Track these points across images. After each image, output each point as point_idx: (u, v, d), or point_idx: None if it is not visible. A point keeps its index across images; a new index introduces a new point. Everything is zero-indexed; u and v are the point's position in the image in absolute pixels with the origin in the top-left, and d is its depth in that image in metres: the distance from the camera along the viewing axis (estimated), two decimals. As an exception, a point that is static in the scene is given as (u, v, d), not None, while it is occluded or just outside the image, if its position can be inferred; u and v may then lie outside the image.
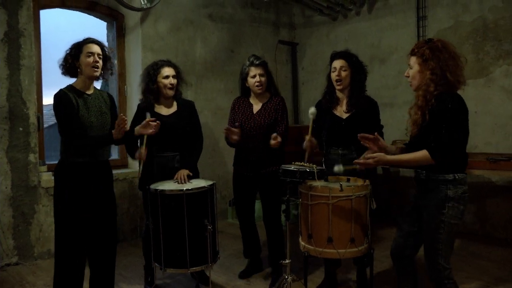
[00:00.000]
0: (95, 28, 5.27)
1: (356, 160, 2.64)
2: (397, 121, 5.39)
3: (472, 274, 3.79)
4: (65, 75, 3.05)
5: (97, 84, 3.26)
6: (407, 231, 2.72)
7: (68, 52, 3.00)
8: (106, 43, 5.16)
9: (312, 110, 3.14)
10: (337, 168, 2.81)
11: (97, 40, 3.06)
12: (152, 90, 3.49)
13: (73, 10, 4.93)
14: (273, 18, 6.56)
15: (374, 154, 2.57)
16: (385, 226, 5.07)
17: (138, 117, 3.50)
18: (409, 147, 2.66)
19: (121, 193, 4.83)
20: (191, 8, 5.52)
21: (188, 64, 5.40)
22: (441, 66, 2.44)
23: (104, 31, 5.28)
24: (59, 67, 3.03)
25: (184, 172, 3.36)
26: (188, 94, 5.00)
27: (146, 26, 5.12)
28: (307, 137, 3.19)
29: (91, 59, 2.95)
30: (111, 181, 3.19)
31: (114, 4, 4.95)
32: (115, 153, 5.11)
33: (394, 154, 2.70)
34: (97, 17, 5.16)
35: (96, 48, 3.00)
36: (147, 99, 3.50)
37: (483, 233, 4.94)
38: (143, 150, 3.27)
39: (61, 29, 5.26)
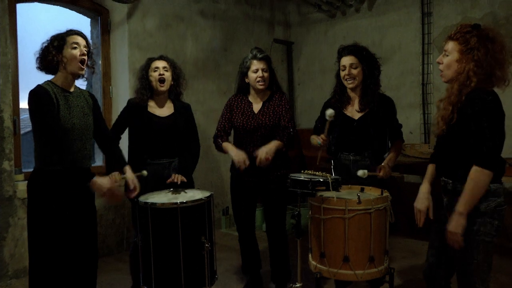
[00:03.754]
0: (78, 24, 4.87)
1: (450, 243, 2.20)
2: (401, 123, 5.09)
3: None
4: (41, 70, 2.66)
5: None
6: (438, 249, 2.36)
7: (49, 43, 2.61)
8: (90, 41, 4.82)
9: (330, 112, 2.79)
10: (362, 172, 2.70)
11: (82, 33, 2.70)
12: (145, 88, 3.22)
13: (53, 4, 4.54)
14: (268, 16, 6.23)
15: (448, 228, 2.17)
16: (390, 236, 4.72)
17: (127, 113, 3.26)
18: (437, 149, 2.34)
19: (105, 204, 4.43)
20: (181, 3, 5.16)
21: (178, 63, 4.98)
22: (489, 59, 2.10)
23: (88, 28, 4.90)
24: (36, 60, 2.64)
25: (179, 176, 3.06)
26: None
27: (133, 22, 4.75)
28: (322, 136, 2.89)
29: (77, 51, 2.58)
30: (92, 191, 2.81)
31: (98, -2, 4.59)
32: (99, 159, 4.71)
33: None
34: (80, 13, 4.77)
35: (81, 40, 2.64)
36: (141, 95, 3.22)
37: (496, 243, 4.61)
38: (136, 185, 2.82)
39: (42, 26, 4.83)
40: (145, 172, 2.94)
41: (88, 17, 4.83)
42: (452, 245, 2.17)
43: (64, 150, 2.53)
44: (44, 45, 2.61)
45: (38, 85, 2.56)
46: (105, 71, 4.76)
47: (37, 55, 2.61)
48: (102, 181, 2.56)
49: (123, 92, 4.66)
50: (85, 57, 2.61)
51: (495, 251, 3.94)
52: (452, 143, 2.21)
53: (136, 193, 2.76)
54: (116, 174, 2.70)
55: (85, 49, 2.62)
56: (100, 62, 4.74)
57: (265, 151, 3.04)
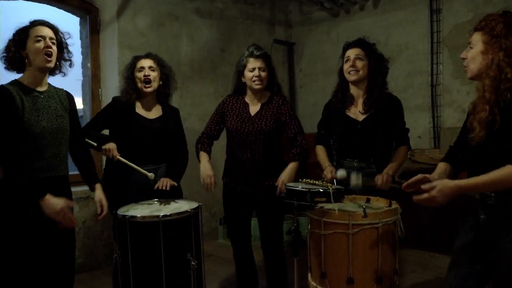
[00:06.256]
0: (67, 24, 4.63)
1: (416, 198, 1.86)
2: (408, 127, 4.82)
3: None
4: (10, 71, 2.39)
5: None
6: (466, 271, 2.02)
7: (11, 39, 2.34)
8: (79, 41, 4.52)
9: (341, 173, 2.50)
10: (355, 181, 2.38)
11: (48, 22, 2.41)
12: (131, 88, 2.96)
13: (40, 2, 4.29)
14: (268, 15, 5.95)
15: (434, 183, 1.84)
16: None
17: (111, 113, 2.99)
18: (473, 158, 2.00)
19: (93, 214, 4.14)
20: (175, 1, 4.89)
21: (172, 64, 4.58)
22: None
23: (77, 27, 4.65)
24: (1, 59, 2.37)
25: (167, 180, 2.79)
26: (172, 98, 4.38)
27: (124, 21, 4.48)
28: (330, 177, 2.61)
29: (41, 44, 2.29)
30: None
31: (87, -5, 4.33)
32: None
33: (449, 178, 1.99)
34: (68, 11, 4.52)
35: (47, 31, 2.35)
36: (128, 96, 2.94)
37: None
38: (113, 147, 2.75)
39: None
40: (152, 175, 2.78)
41: (77, 16, 4.59)
42: (416, 201, 1.85)
43: (31, 157, 2.25)
44: (7, 41, 2.33)
45: (1, 86, 2.29)
46: (94, 73, 4.50)
47: (1, 54, 2.34)
48: (55, 200, 2.26)
49: (113, 95, 4.35)
50: (51, 50, 2.32)
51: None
52: (497, 150, 1.87)
53: (103, 215, 2.52)
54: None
55: (51, 41, 2.33)
56: (89, 63, 4.49)
57: (286, 181, 2.74)
